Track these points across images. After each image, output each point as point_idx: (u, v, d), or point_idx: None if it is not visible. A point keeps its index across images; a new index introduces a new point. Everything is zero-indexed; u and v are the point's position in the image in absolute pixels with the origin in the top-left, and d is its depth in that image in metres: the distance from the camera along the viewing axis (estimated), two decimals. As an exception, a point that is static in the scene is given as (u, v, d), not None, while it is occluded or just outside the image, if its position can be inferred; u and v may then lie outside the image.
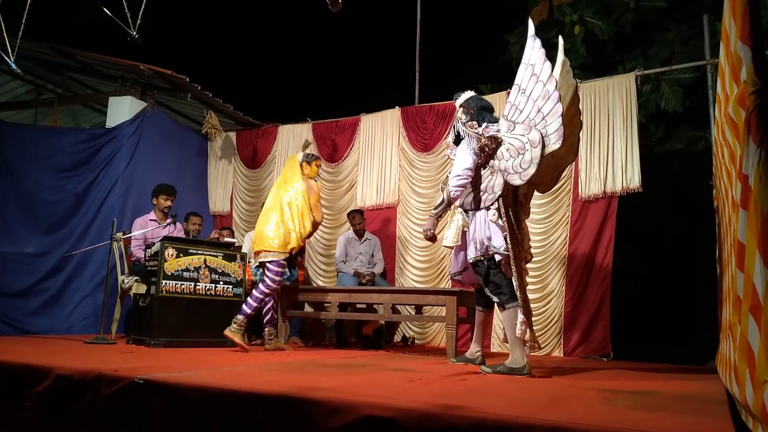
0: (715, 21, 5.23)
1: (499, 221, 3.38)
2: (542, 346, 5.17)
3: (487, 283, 3.49)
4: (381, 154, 6.41)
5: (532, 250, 5.38)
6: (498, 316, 5.03)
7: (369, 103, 6.71)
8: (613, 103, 5.29)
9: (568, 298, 5.24)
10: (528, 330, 3.28)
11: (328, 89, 11.14)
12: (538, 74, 3.35)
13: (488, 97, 5.92)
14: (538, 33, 3.55)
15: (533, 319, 5.28)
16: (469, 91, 3.83)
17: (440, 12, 8.56)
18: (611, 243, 5.18)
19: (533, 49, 3.44)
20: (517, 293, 3.31)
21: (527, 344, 3.32)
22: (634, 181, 5.09)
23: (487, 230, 3.43)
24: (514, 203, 3.48)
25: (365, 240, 6.04)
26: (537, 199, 5.41)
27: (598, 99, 5.36)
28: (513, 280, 3.34)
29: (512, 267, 3.33)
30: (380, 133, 6.46)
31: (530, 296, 5.30)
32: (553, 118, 3.21)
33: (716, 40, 3.70)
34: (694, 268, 7.90)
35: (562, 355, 5.15)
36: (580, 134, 5.26)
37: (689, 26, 7.03)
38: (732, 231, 1.75)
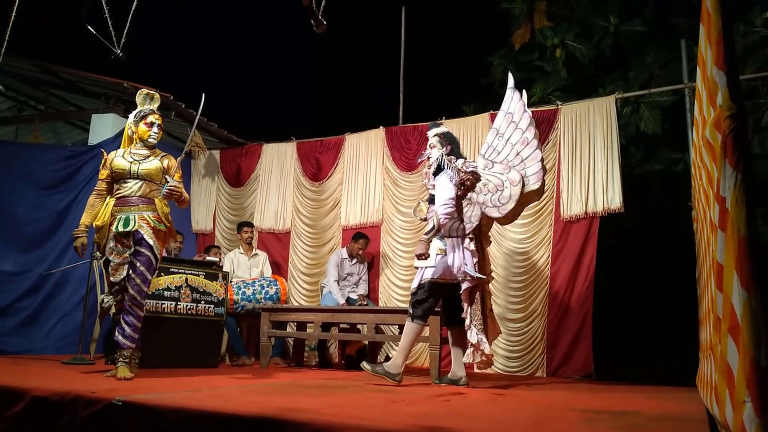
0: (693, 46, 5.35)
1: (471, 245, 3.72)
2: (523, 366, 5.22)
3: (413, 295, 3.74)
4: (365, 173, 6.43)
5: (515, 270, 5.48)
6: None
7: (353, 122, 6.75)
8: (594, 125, 5.37)
9: (551, 318, 5.25)
10: (482, 352, 3.64)
11: (313, 109, 11.18)
12: (516, 122, 3.86)
13: (471, 119, 6.05)
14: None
15: (517, 338, 5.31)
16: (444, 126, 4.09)
17: (424, 33, 8.66)
18: (593, 263, 5.22)
19: (513, 99, 3.96)
20: (479, 316, 3.67)
21: (481, 362, 3.68)
22: (615, 201, 5.15)
23: (465, 257, 3.69)
24: (479, 232, 3.85)
25: (356, 262, 6.04)
26: (519, 219, 5.43)
27: (579, 121, 5.43)
28: (474, 306, 3.67)
29: (477, 292, 3.68)
30: (364, 152, 6.49)
31: (513, 316, 5.36)
32: (532, 162, 3.75)
33: (694, 64, 3.79)
34: (675, 289, 7.97)
35: (545, 375, 5.16)
36: (559, 158, 5.45)
37: (667, 50, 7.17)
38: (711, 252, 1.77)
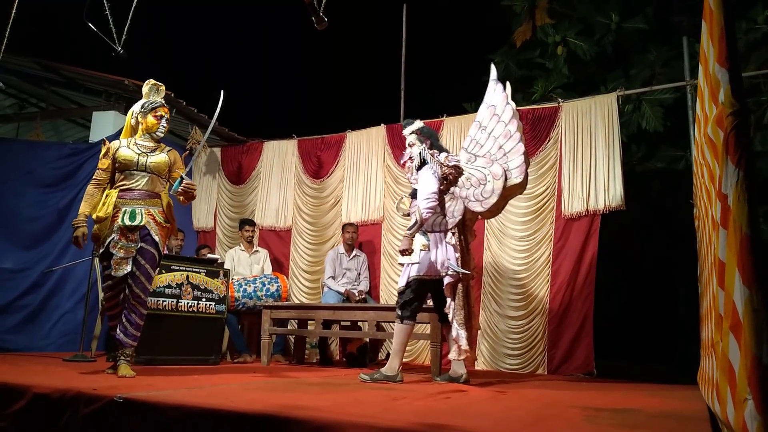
0: (694, 43, 5.34)
1: (453, 239, 3.69)
2: (524, 364, 5.22)
3: (401, 295, 3.75)
4: (366, 170, 6.43)
5: (516, 267, 5.48)
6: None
7: (354, 120, 6.74)
8: (596, 122, 5.35)
9: (552, 315, 5.25)
10: (467, 348, 3.60)
11: (314, 106, 11.18)
12: (499, 114, 3.75)
13: (472, 116, 6.01)
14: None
15: (518, 336, 5.32)
16: (418, 121, 4.03)
17: (425, 31, 8.65)
18: (594, 261, 5.21)
19: (495, 92, 3.86)
20: (462, 311, 3.61)
21: (465, 358, 3.62)
22: (617, 199, 5.14)
23: (447, 252, 3.69)
24: (462, 226, 3.79)
25: (354, 256, 6.04)
26: (520, 217, 5.46)
27: (580, 118, 5.42)
28: (456, 300, 3.62)
29: (459, 286, 3.63)
30: (366, 150, 6.48)
31: (514, 314, 5.37)
32: (515, 155, 3.62)
33: (695, 61, 3.78)
34: (676, 286, 7.97)
35: (546, 372, 5.16)
36: (560, 156, 5.42)
37: (669, 48, 7.16)
38: (713, 249, 1.77)
